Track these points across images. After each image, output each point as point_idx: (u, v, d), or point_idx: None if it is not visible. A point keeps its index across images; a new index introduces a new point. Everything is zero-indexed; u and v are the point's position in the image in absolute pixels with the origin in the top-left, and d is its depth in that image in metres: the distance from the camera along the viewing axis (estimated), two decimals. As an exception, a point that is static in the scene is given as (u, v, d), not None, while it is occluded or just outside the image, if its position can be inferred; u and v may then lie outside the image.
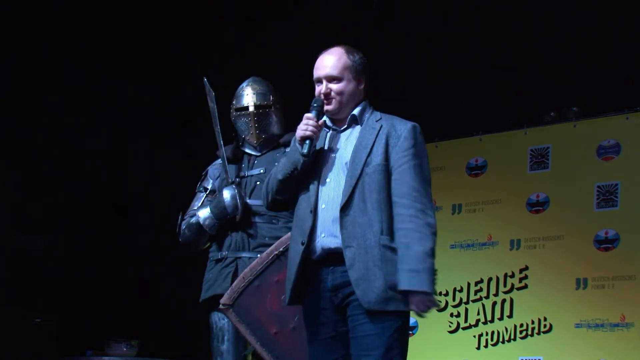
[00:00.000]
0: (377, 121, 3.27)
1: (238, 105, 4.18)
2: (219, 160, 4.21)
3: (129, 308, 6.36)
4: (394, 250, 3.05)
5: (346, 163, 3.18)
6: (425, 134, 6.55)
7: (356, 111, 3.29)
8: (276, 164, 3.92)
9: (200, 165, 6.73)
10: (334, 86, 3.24)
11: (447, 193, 6.22)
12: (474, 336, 5.84)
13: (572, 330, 5.50)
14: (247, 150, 4.17)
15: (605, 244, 5.51)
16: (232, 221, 3.98)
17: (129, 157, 6.84)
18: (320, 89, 3.25)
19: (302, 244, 3.13)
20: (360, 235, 3.07)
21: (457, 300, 5.95)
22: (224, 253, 3.98)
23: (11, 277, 5.95)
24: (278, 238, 3.80)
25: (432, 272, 3.04)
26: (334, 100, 3.24)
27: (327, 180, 3.19)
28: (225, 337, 3.87)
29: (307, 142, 3.16)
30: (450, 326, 5.95)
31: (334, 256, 3.12)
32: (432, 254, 3.05)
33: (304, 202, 3.20)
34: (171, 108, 6.93)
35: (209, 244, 4.15)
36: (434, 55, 6.59)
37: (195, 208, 4.15)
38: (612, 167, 5.64)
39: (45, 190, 6.29)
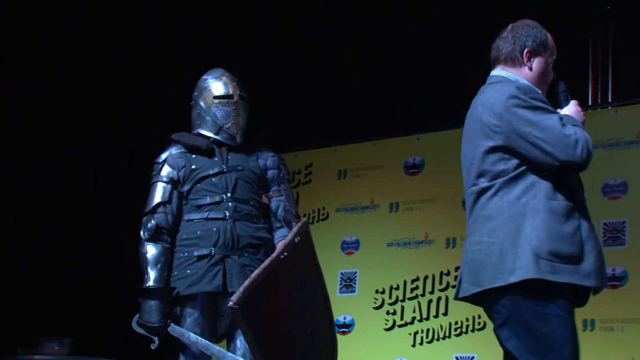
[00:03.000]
0: None
1: (219, 93, 4.16)
2: (174, 149, 4.14)
3: (61, 306, 6.26)
4: None
5: None
6: (364, 133, 6.66)
7: None
8: (251, 162, 4.10)
9: (127, 163, 6.68)
10: None
11: (385, 191, 6.28)
12: (410, 334, 5.87)
13: (505, 328, 5.55)
14: (220, 139, 4.14)
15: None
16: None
17: (58, 154, 6.71)
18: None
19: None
20: None
21: (394, 298, 5.99)
22: (211, 249, 3.93)
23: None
24: (262, 239, 3.96)
25: None
26: None
27: None
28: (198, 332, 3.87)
29: None
30: (386, 324, 5.98)
31: None
32: None
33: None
34: (108, 107, 6.87)
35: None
36: (373, 56, 6.65)
37: (160, 200, 4.06)
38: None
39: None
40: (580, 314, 5.34)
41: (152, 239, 4.01)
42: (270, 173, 4.14)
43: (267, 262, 3.51)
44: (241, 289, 3.41)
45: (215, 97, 4.16)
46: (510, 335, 2.97)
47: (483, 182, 3.03)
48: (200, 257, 3.93)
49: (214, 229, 3.94)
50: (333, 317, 3.88)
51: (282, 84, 6.63)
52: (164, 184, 4.09)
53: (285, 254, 3.54)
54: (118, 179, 6.71)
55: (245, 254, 3.90)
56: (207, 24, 6.88)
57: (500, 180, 2.98)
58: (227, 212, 3.96)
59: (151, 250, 4.00)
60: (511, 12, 6.12)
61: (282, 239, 4.02)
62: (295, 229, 3.72)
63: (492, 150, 3.00)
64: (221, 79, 4.21)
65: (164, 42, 6.90)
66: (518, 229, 2.89)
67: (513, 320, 2.95)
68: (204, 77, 4.27)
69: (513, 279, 2.86)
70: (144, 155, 4.48)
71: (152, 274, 3.96)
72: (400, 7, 6.51)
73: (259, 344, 3.40)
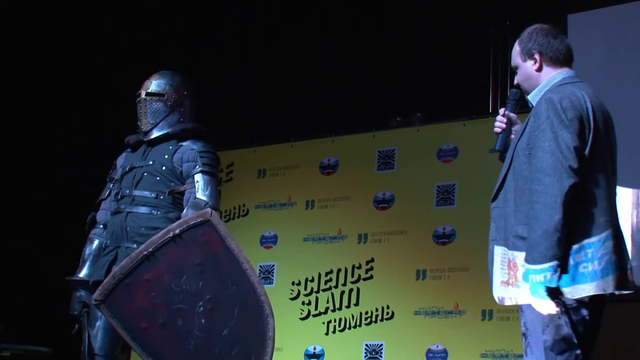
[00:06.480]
0: (538, 100, 2.94)
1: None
2: (128, 150, 4.24)
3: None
4: (524, 239, 2.83)
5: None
6: (282, 135, 6.86)
7: (530, 95, 3.07)
8: (166, 156, 4.03)
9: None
10: (517, 77, 3.11)
11: (301, 190, 6.53)
12: (323, 323, 6.12)
13: (411, 317, 5.84)
14: (141, 137, 4.16)
15: (443, 238, 5.90)
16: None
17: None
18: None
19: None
20: (502, 228, 2.94)
21: (309, 290, 6.24)
22: (107, 242, 4.03)
23: None
24: (155, 228, 3.80)
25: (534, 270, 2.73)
26: (522, 90, 3.11)
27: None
28: (98, 324, 3.93)
29: (499, 137, 3.12)
30: (301, 313, 6.22)
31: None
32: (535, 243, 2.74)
33: None
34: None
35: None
36: (290, 61, 6.85)
37: (105, 197, 4.18)
38: (450, 169, 6.02)
39: None
40: (413, 265, 5.86)
41: (89, 231, 4.19)
42: (186, 166, 4.03)
43: (127, 259, 3.50)
44: (101, 285, 3.48)
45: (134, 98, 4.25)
46: None
47: None
48: (103, 249, 4.06)
49: (115, 222, 4.03)
50: (262, 302, 3.56)
51: (204, 86, 6.77)
52: (108, 182, 4.24)
53: (150, 249, 3.50)
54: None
55: (135, 245, 3.83)
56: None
57: None
58: (124, 205, 4.01)
59: (88, 243, 4.17)
60: (415, 20, 6.38)
61: None
62: (176, 223, 3.61)
63: None
64: (148, 79, 4.22)
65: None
66: None
67: None
68: None
69: None
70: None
71: (82, 267, 4.12)
72: (316, 13, 6.72)
73: (133, 338, 3.46)
